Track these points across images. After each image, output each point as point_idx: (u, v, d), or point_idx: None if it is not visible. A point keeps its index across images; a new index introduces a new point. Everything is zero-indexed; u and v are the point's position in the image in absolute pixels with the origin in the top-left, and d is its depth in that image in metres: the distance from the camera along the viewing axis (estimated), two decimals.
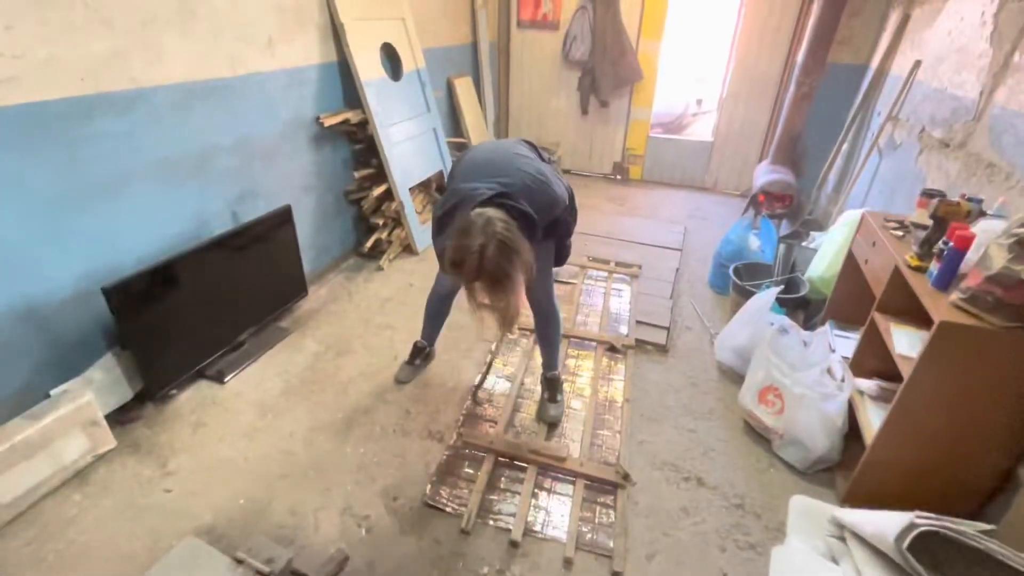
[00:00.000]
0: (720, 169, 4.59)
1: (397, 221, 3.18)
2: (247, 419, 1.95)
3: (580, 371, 2.27)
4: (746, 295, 2.42)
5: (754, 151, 4.38)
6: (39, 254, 1.61)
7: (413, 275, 3.02)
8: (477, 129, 4.33)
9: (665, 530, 1.60)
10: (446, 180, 1.66)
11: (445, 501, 1.64)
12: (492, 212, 1.30)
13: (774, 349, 1.90)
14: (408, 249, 3.27)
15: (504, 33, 4.53)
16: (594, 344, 2.43)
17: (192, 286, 1.99)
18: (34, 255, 1.60)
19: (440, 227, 1.48)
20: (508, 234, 1.26)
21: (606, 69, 4.24)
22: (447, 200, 1.48)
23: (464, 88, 4.19)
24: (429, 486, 1.69)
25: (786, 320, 2.01)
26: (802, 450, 1.78)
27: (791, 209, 3.54)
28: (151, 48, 1.84)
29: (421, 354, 2.22)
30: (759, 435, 1.94)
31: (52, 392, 1.67)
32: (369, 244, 3.05)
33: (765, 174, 3.66)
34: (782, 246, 2.75)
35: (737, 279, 2.61)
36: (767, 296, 2.13)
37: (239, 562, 1.41)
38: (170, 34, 1.89)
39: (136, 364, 1.87)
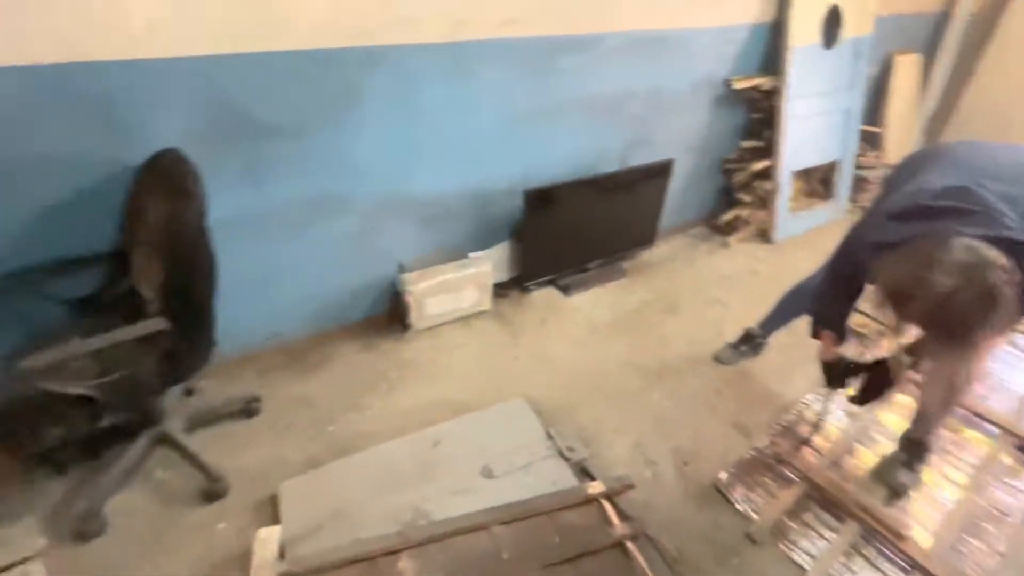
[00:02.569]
0: None
1: (763, 203, 2.94)
2: (578, 331, 2.23)
3: (960, 453, 1.71)
4: None
5: None
6: (500, 152, 2.13)
7: (760, 262, 2.78)
8: (901, 120, 3.50)
9: None
10: (903, 165, 1.35)
11: (737, 497, 1.54)
12: (992, 254, 0.94)
13: None
14: (763, 235, 3.01)
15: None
16: (995, 430, 1.78)
17: (573, 209, 2.32)
18: (498, 151, 2.12)
19: (895, 218, 1.12)
20: (1002, 292, 0.92)
21: None
22: (925, 190, 1.11)
23: (906, 68, 3.39)
24: (725, 475, 1.60)
25: None
26: None
27: None
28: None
29: (751, 342, 2.06)
30: None
31: (470, 255, 2.25)
32: (726, 218, 2.93)
33: None
34: None
35: None
36: None
37: (550, 437, 1.68)
38: None
39: (518, 255, 2.35)
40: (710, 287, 2.56)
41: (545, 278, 2.46)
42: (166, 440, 1.55)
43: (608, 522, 1.40)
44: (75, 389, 1.24)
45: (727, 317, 2.33)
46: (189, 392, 1.81)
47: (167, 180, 1.36)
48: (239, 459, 1.59)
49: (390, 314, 2.21)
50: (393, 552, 1.28)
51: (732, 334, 2.14)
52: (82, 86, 1.34)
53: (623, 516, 1.42)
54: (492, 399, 1.84)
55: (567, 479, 1.55)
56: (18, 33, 1.23)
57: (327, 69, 1.63)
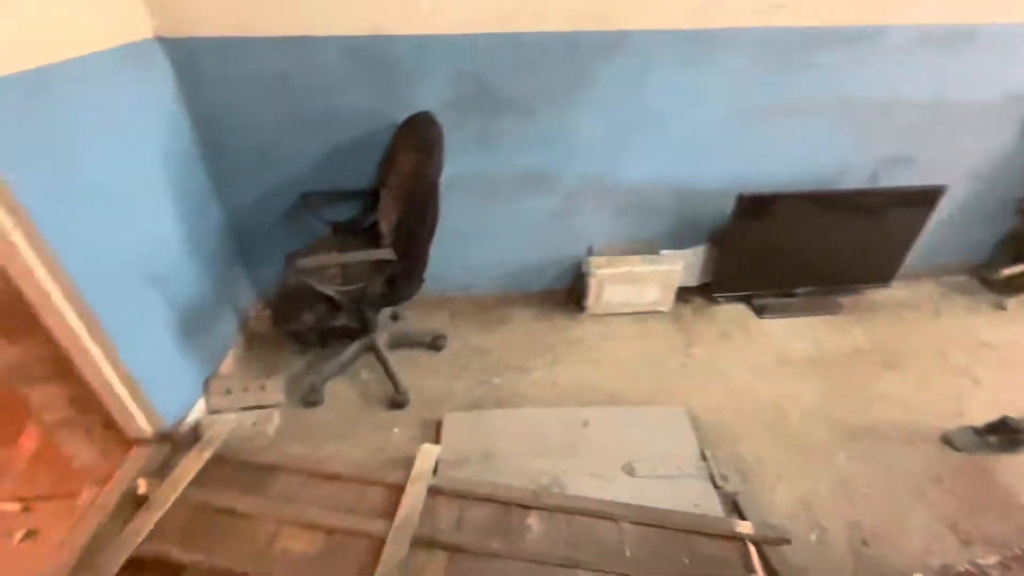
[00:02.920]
0: None
1: None
2: (763, 359, 2.00)
3: None
4: None
5: None
6: (718, 150, 1.99)
7: None
8: None
9: None
10: None
11: None
12: None
13: None
14: None
15: None
16: None
17: (793, 224, 2.05)
18: (715, 149, 1.98)
19: None
20: None
21: None
22: None
23: None
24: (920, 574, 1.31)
25: None
26: None
27: None
28: None
29: (1006, 435, 1.60)
30: None
31: (662, 251, 2.18)
32: (1009, 272, 2.27)
33: None
34: None
35: None
36: None
37: (704, 457, 1.57)
38: None
39: (712, 263, 2.19)
40: (958, 351, 2.03)
41: (739, 293, 2.26)
42: (373, 349, 1.89)
43: (749, 568, 1.27)
44: (326, 289, 1.59)
45: (975, 394, 1.84)
46: (395, 316, 2.17)
47: (418, 137, 1.62)
48: (419, 382, 1.85)
49: (569, 292, 2.29)
50: (525, 507, 1.37)
51: (979, 417, 1.69)
52: (377, 54, 1.66)
53: (770, 569, 1.27)
54: (648, 399, 1.80)
55: (712, 507, 1.43)
56: (337, 11, 1.58)
57: (568, 51, 1.72)
